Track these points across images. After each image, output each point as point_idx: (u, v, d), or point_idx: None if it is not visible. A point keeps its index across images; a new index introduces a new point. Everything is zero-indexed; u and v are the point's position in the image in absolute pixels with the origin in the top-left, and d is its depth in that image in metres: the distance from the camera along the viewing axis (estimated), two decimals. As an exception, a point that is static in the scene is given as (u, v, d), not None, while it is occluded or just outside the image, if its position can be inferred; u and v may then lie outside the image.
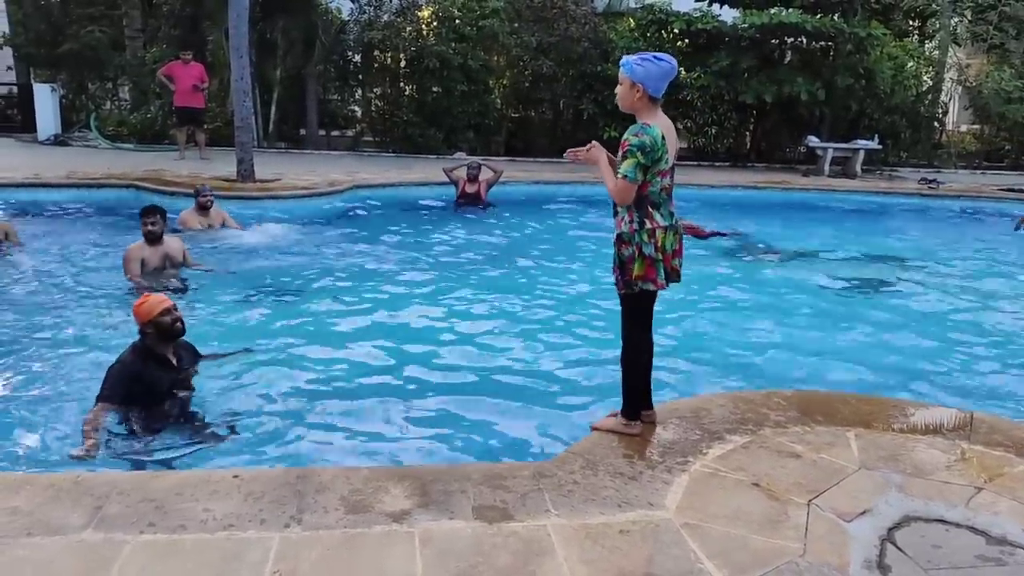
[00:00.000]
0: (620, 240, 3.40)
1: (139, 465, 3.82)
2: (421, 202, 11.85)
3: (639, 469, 3.28)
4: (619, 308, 3.57)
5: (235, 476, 3.11)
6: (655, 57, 3.30)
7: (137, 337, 4.40)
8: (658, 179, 3.32)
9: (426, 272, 8.02)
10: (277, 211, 10.33)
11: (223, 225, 9.09)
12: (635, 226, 3.34)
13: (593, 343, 5.84)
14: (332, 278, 7.56)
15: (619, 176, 3.28)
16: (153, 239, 6.89)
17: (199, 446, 4.04)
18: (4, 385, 4.74)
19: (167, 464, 3.84)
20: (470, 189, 11.35)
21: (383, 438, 4.25)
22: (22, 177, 10.91)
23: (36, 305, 6.34)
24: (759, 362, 5.64)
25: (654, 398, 3.73)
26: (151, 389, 4.25)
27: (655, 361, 3.66)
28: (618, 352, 3.62)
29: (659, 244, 3.34)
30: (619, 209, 3.40)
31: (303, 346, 5.59)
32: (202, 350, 4.92)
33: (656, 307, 3.58)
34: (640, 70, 3.28)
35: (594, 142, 3.52)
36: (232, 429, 4.23)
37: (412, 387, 4.96)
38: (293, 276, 7.60)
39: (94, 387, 4.28)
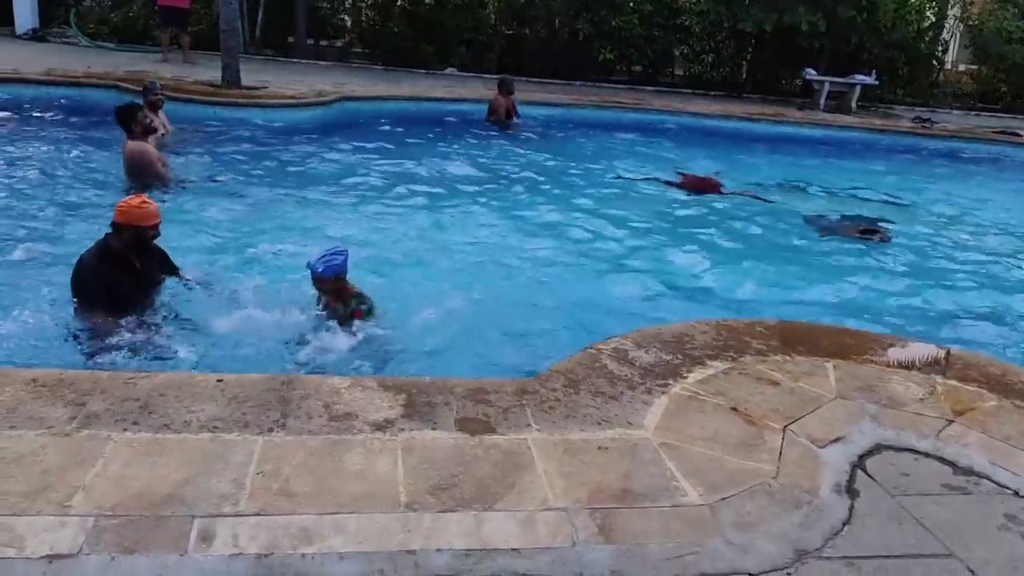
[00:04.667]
0: None
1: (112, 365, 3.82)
2: (408, 118, 11.62)
3: (620, 389, 3.32)
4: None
5: (219, 380, 3.12)
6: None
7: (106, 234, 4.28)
8: None
9: (413, 185, 7.93)
10: (262, 119, 10.12)
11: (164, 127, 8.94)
12: None
13: (572, 266, 5.84)
14: (315, 187, 7.47)
15: None
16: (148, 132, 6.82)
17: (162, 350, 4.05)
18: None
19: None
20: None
21: (368, 351, 4.27)
22: (-1, 71, 10.58)
23: (18, 203, 6.23)
24: (743, 295, 5.68)
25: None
26: (118, 292, 4.23)
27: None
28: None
29: None
30: None
31: (284, 253, 5.55)
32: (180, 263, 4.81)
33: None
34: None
35: None
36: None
37: (395, 298, 4.95)
38: (272, 184, 7.51)
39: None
